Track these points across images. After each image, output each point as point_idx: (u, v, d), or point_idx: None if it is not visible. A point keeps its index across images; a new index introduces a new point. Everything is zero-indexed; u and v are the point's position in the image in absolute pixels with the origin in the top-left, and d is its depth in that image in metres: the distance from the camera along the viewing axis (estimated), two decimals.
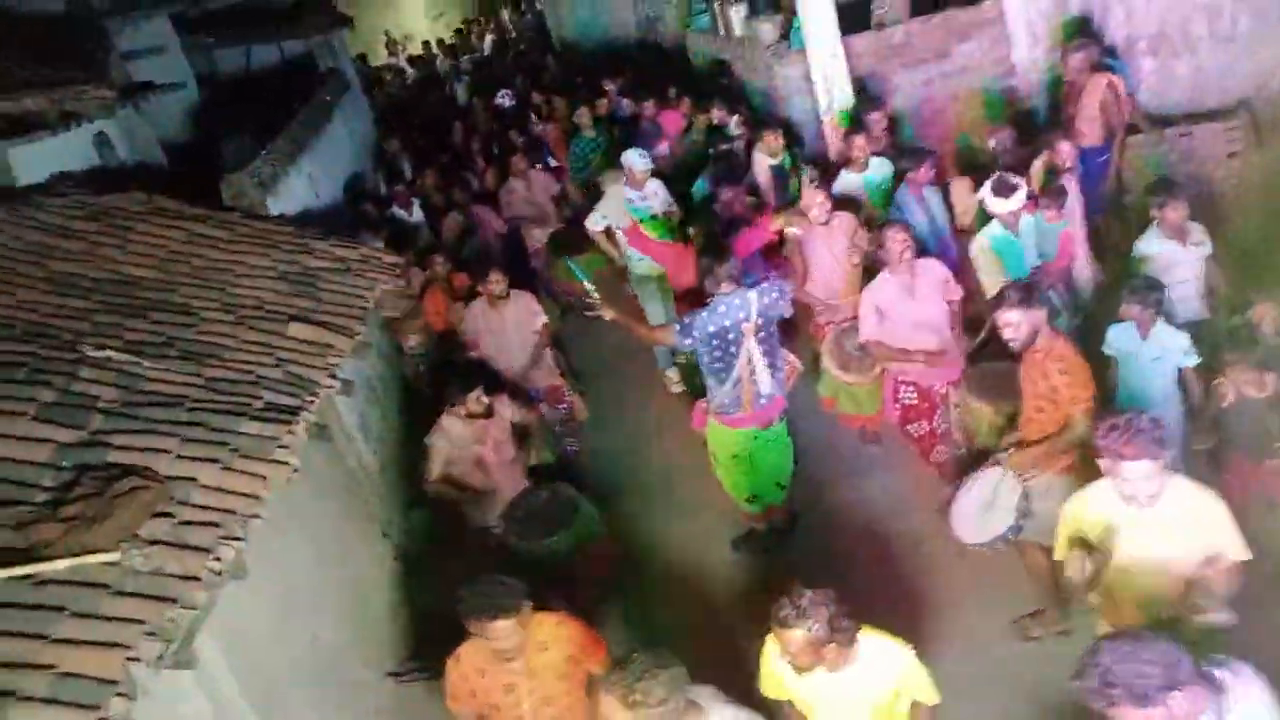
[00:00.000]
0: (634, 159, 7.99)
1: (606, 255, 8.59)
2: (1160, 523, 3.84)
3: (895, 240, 5.92)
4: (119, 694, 3.15)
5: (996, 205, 6.30)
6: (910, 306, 5.99)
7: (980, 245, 6.36)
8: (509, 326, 7.24)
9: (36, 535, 3.71)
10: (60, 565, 3.57)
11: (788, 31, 8.89)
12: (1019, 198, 6.24)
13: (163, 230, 6.50)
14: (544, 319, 7.37)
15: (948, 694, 3.89)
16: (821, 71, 8.09)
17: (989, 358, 6.05)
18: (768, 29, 9.10)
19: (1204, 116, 8.07)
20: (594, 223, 8.23)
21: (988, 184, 6.38)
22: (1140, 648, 2.81)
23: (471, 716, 4.10)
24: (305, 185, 8.44)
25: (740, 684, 3.91)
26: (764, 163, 8.05)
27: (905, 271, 5.96)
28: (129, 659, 3.27)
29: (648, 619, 6.06)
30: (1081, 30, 8.17)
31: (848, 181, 7.38)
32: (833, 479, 6.90)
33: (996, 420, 5.68)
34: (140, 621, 3.42)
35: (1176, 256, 5.95)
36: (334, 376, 5.52)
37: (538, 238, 9.55)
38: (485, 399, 6.11)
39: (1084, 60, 7.44)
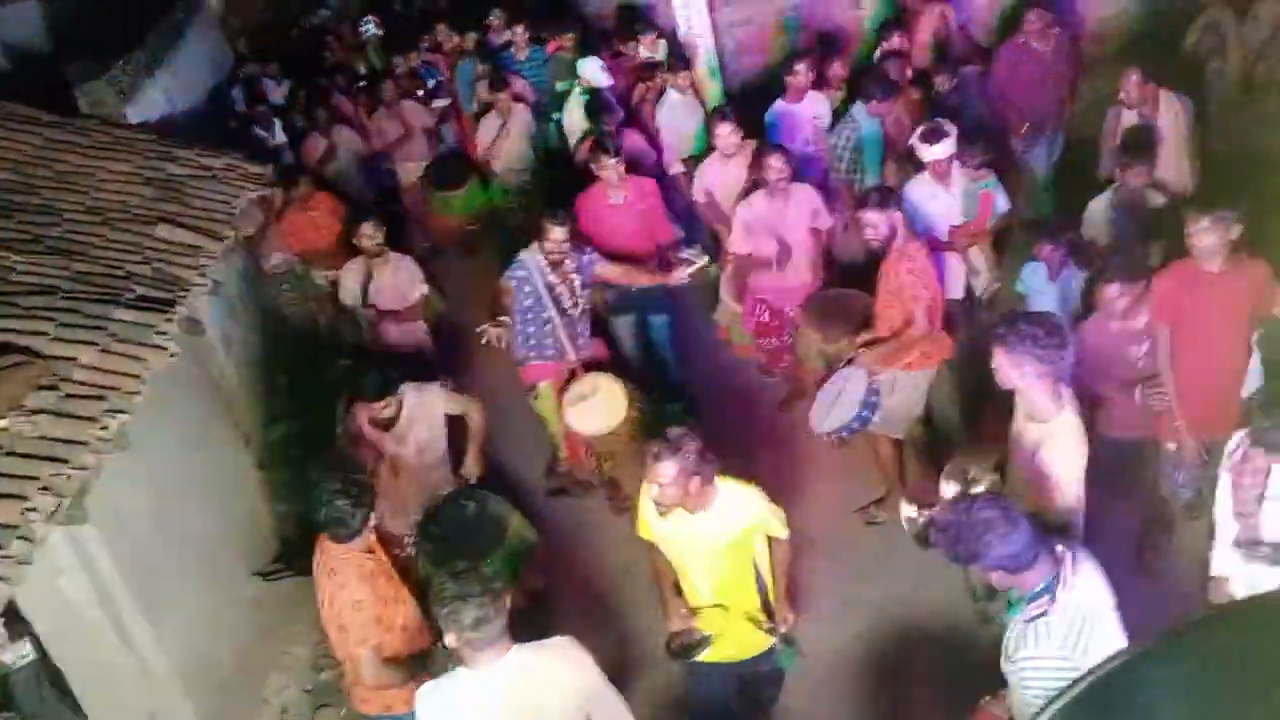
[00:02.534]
0: (594, 71, 7.87)
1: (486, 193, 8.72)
2: (1033, 432, 4.05)
3: (773, 167, 6.14)
4: (20, 537, 3.31)
5: (925, 152, 6.15)
6: (778, 228, 6.28)
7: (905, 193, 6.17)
8: (385, 291, 6.79)
9: None
10: None
11: None
12: (947, 145, 6.08)
13: (17, 135, 6.40)
14: (423, 289, 6.87)
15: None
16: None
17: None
18: None
19: None
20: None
21: (917, 131, 6.28)
22: (1002, 522, 3.14)
23: None
24: (163, 99, 8.34)
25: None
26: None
27: (780, 196, 6.25)
28: (26, 509, 3.43)
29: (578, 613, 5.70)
30: None
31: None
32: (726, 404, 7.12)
33: (826, 349, 5.98)
34: (34, 478, 3.57)
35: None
36: (204, 276, 5.60)
37: (410, 171, 9.42)
38: (395, 405, 5.26)
39: None
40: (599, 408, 5.69)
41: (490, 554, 4.94)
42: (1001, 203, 6.33)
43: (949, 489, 4.44)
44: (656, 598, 4.48)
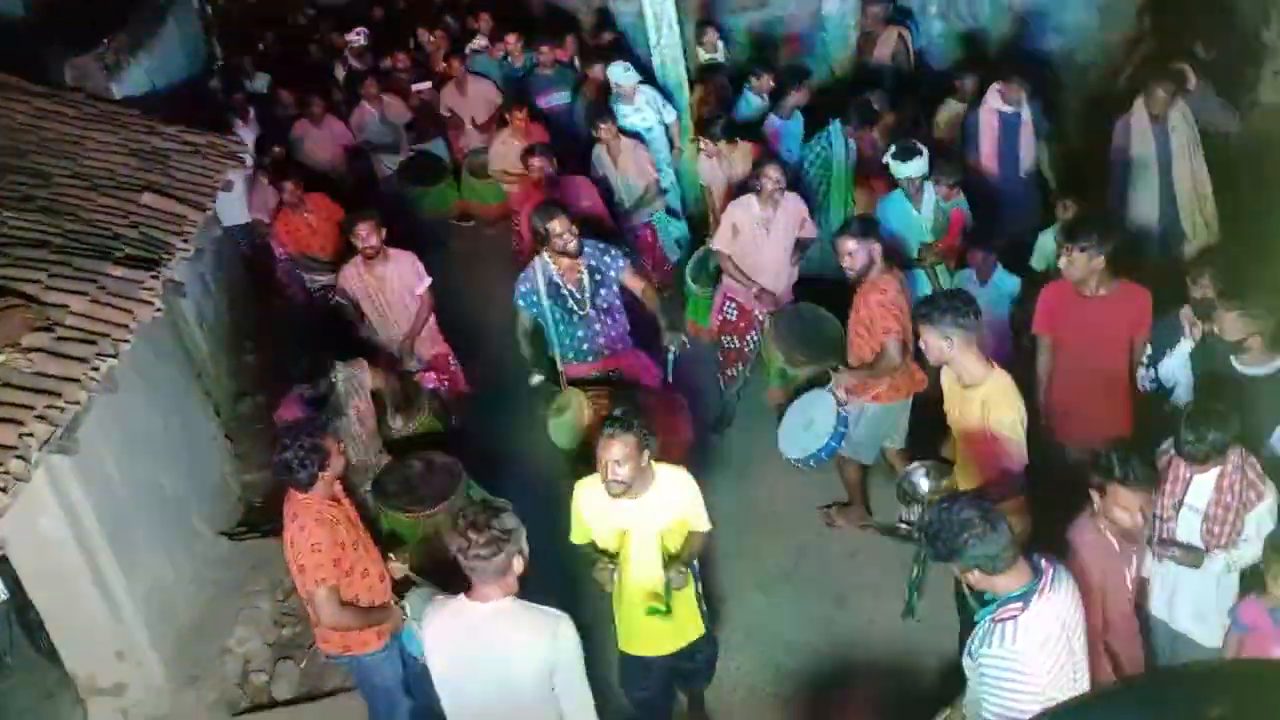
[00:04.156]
0: (619, 73, 7.88)
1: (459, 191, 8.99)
2: (968, 403, 4.34)
3: (771, 176, 6.20)
4: (17, 457, 3.55)
5: (898, 169, 6.32)
6: (764, 239, 6.36)
7: (878, 210, 6.47)
8: (388, 290, 6.61)
9: None
10: None
11: None
12: (920, 164, 6.26)
13: (7, 102, 6.62)
14: (428, 281, 6.68)
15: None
16: (653, 10, 8.69)
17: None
18: None
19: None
20: None
21: (891, 148, 6.45)
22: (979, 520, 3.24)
23: None
24: (146, 79, 8.54)
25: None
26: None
27: (770, 204, 6.29)
28: (23, 434, 3.67)
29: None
30: None
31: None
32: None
33: (787, 370, 6.10)
34: (30, 408, 3.81)
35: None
36: (187, 243, 5.84)
37: (387, 164, 9.75)
38: (322, 383, 5.54)
39: (881, 12, 8.38)
40: (565, 427, 5.61)
41: (448, 498, 5.28)
42: (969, 221, 6.52)
43: (921, 482, 4.93)
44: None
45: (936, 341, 4.26)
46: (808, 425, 5.42)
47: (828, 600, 5.57)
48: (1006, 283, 6.25)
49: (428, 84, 10.12)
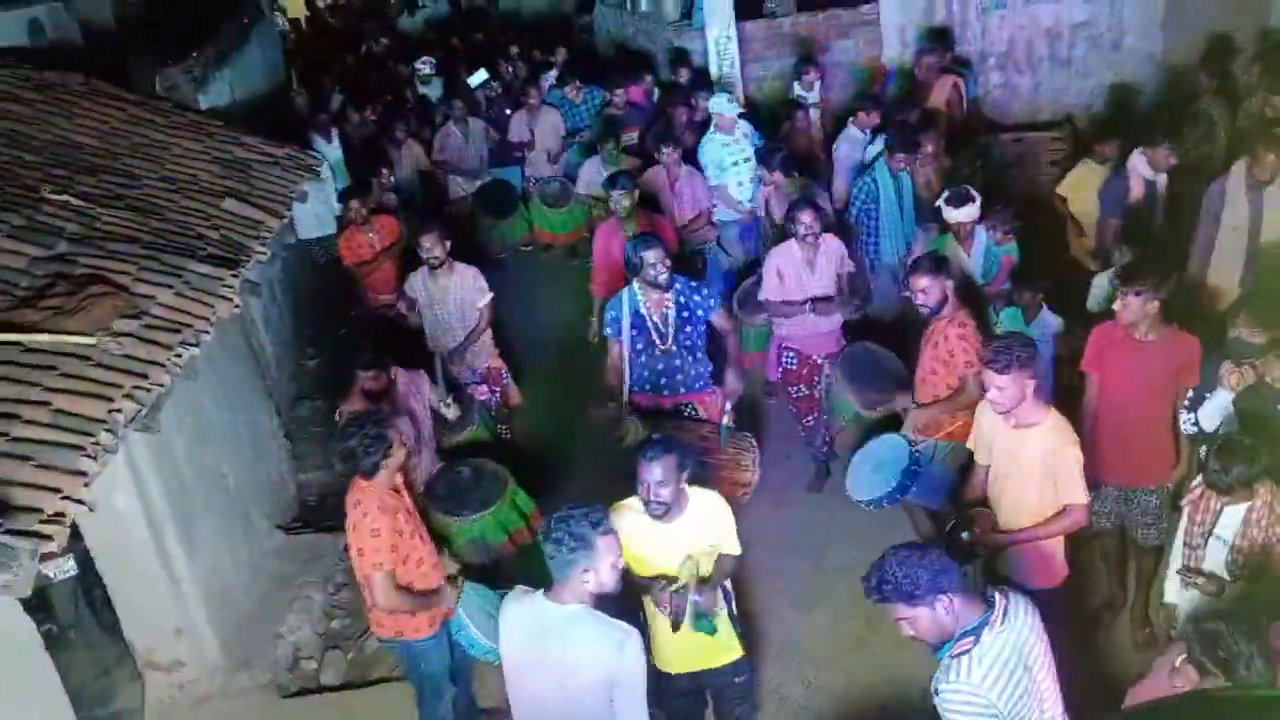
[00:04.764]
0: (723, 104, 8.04)
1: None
2: (1024, 444, 4.41)
3: (803, 221, 6.27)
4: (106, 430, 3.83)
5: (950, 214, 6.48)
6: (810, 279, 6.39)
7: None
8: (449, 300, 6.86)
9: (20, 318, 4.32)
10: (43, 339, 4.21)
11: (689, 11, 9.83)
12: (970, 210, 6.42)
13: (103, 108, 7.01)
14: (489, 296, 6.89)
15: None
16: (716, 50, 8.98)
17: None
18: (670, 6, 10.04)
19: (1036, 127, 9.35)
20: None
21: (944, 193, 6.61)
22: (918, 556, 3.26)
23: None
24: (229, 93, 8.97)
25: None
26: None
27: (809, 247, 6.36)
28: (111, 410, 3.94)
29: None
30: (940, 38, 9.33)
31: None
32: None
33: (862, 412, 6.07)
34: (119, 386, 4.09)
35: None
36: (264, 247, 6.15)
37: (461, 186, 10.09)
38: (383, 378, 5.88)
39: (935, 62, 8.60)
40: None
41: (494, 504, 5.66)
42: (1016, 265, 6.59)
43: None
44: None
45: (1013, 389, 4.29)
46: (876, 468, 5.38)
47: (860, 621, 5.67)
48: (1051, 322, 6.38)
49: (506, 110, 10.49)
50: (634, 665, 3.49)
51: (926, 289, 5.32)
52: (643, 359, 5.81)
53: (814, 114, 9.00)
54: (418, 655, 4.86)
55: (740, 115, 8.17)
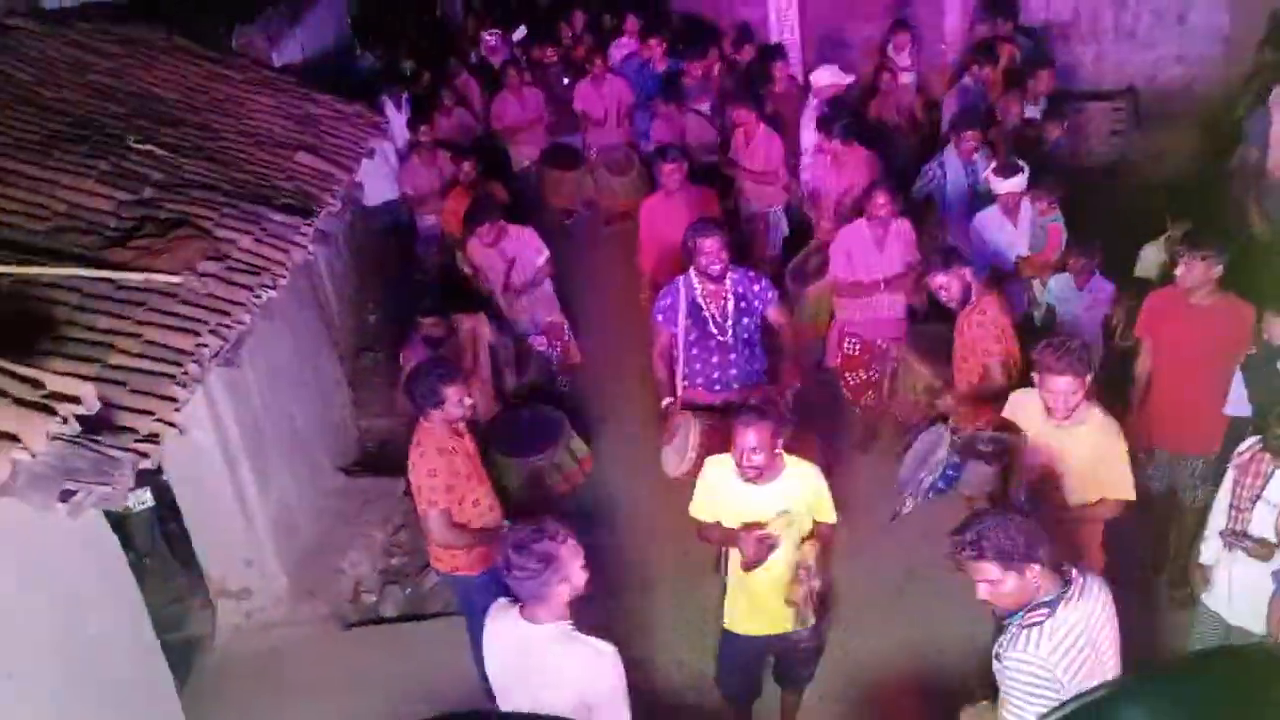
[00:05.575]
0: (829, 75, 8.08)
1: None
2: (1073, 441, 4.45)
3: (877, 203, 6.33)
4: (194, 361, 4.09)
5: (997, 185, 6.55)
6: (878, 258, 6.44)
7: (975, 224, 6.72)
8: (508, 261, 7.16)
9: (113, 256, 4.60)
10: (134, 276, 4.47)
11: None
12: (1019, 180, 6.47)
13: (183, 63, 7.29)
14: (546, 253, 7.21)
15: None
16: (777, 13, 9.04)
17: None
18: None
19: (1098, 97, 9.32)
20: None
21: (992, 164, 6.71)
22: (1018, 521, 3.33)
23: None
24: (299, 51, 9.21)
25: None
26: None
27: (880, 226, 6.40)
28: (198, 344, 4.21)
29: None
30: (1003, 7, 9.29)
31: None
32: None
33: (934, 384, 5.95)
34: (204, 322, 4.36)
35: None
36: (335, 199, 6.39)
37: (525, 154, 10.13)
38: (443, 325, 6.27)
39: (986, 32, 8.61)
40: (671, 453, 5.49)
41: (553, 443, 6.05)
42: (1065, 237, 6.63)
43: None
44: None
45: (1079, 389, 4.32)
46: (922, 460, 5.35)
47: (899, 573, 5.85)
48: (1105, 287, 6.44)
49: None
50: (612, 684, 3.43)
51: (945, 285, 5.36)
52: (696, 350, 5.66)
53: (906, 78, 8.95)
54: (470, 591, 5.10)
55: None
